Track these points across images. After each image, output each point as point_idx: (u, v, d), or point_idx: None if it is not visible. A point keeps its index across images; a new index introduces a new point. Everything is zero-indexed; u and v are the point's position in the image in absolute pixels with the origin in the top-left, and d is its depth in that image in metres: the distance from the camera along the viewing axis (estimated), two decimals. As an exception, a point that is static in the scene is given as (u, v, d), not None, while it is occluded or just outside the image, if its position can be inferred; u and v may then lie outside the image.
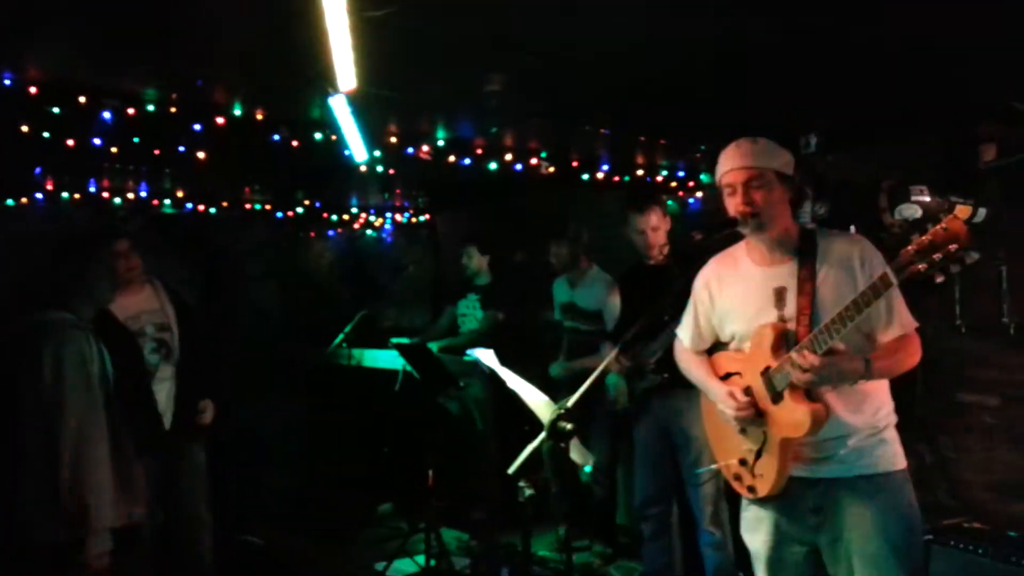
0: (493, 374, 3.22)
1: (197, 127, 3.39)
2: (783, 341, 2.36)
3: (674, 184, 5.01)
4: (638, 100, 3.38)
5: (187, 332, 3.91)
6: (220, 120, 3.37)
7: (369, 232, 7.02)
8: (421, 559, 4.48)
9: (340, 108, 3.02)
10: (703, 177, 4.99)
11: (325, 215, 6.40)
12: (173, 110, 3.28)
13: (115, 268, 3.61)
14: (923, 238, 1.97)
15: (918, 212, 3.11)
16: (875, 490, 2.34)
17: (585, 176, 4.55)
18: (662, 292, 3.74)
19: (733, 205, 2.43)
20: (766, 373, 2.39)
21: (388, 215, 6.81)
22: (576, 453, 4.31)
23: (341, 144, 3.41)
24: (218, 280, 5.84)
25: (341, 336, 5.14)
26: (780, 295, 2.41)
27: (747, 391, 2.46)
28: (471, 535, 5.08)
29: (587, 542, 4.84)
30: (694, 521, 3.89)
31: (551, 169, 4.36)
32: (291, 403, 6.06)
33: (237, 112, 3.40)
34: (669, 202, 5.31)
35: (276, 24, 2.47)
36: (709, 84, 3.09)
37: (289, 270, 6.49)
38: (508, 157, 4.15)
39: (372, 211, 6.66)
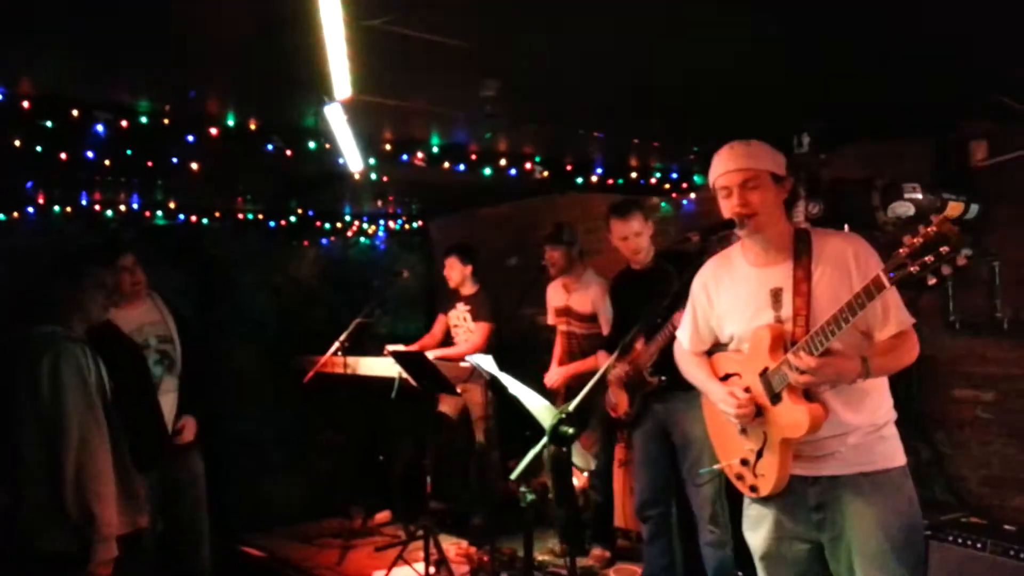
0: (493, 380, 3.23)
1: (190, 138, 3.38)
2: (780, 342, 2.38)
3: (667, 186, 5.03)
4: (631, 103, 3.40)
5: (186, 343, 3.95)
6: (213, 130, 3.37)
7: (362, 240, 7.01)
8: (420, 566, 4.48)
9: (335, 116, 3.02)
10: (696, 179, 5.01)
11: (318, 223, 6.40)
12: (166, 121, 3.28)
13: (119, 282, 3.67)
14: (914, 240, 1.98)
15: (911, 210, 3.14)
16: (876, 487, 2.36)
17: (579, 179, 4.56)
18: (650, 296, 3.78)
19: (728, 207, 2.45)
20: (764, 374, 2.41)
21: (381, 222, 6.81)
22: (578, 457, 4.34)
23: (335, 152, 3.41)
24: (213, 290, 5.83)
25: (336, 344, 5.14)
26: (777, 296, 2.43)
27: (747, 392, 2.47)
28: (470, 541, 5.09)
29: (585, 546, 4.85)
30: (694, 521, 3.91)
31: (545, 173, 4.37)
32: (287, 412, 6.06)
33: (230, 122, 3.40)
34: (663, 204, 5.35)
35: (270, 33, 2.47)
36: (701, 86, 3.10)
37: (283, 279, 6.48)
38: (502, 162, 4.15)
39: (365, 219, 6.65)
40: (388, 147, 3.82)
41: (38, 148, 3.39)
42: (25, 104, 3.03)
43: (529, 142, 4.11)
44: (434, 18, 2.41)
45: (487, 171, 4.17)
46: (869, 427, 2.39)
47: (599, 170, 4.58)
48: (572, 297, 4.82)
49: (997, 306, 3.75)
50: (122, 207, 5.41)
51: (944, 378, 3.96)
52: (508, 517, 4.73)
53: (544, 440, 2.51)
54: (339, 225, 6.65)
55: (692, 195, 5.19)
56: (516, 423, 3.75)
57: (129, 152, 3.57)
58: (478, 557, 4.79)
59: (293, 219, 6.26)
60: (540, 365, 4.91)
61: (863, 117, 3.54)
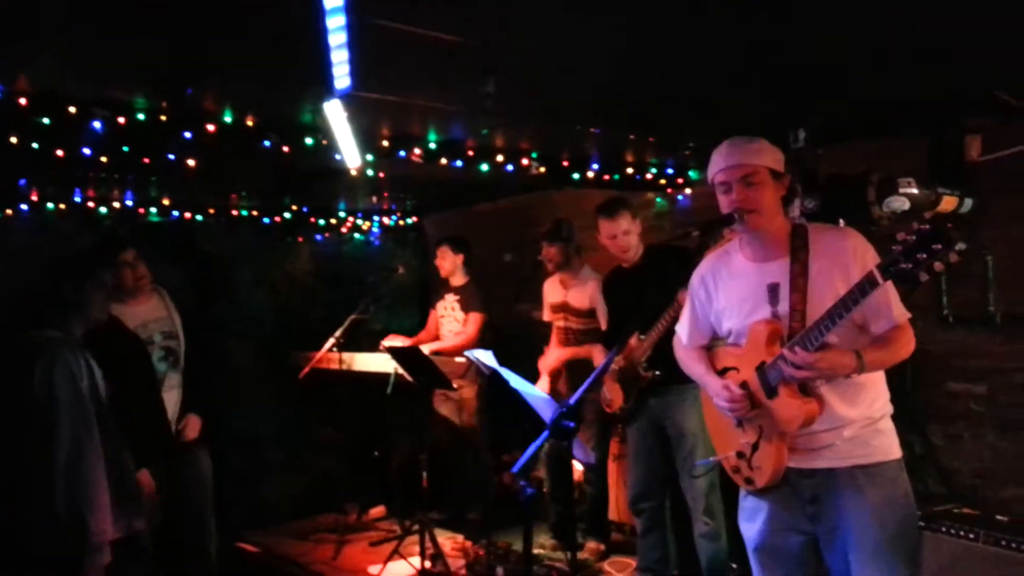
0: (494, 374, 3.25)
1: (187, 135, 3.38)
2: (777, 337, 2.40)
3: (663, 182, 5.05)
4: (628, 99, 3.41)
5: (192, 340, 3.95)
6: (211, 127, 3.37)
7: (357, 236, 7.01)
8: (416, 560, 4.50)
9: (334, 112, 3.03)
10: (691, 174, 5.03)
11: (313, 220, 6.39)
12: (163, 118, 3.28)
13: (121, 278, 3.67)
14: (908, 237, 2.00)
15: (906, 204, 3.16)
16: (871, 480, 2.39)
17: (575, 176, 4.58)
18: (642, 292, 3.81)
19: (727, 202, 2.47)
20: (761, 368, 2.43)
21: (376, 219, 6.81)
22: (578, 451, 4.37)
23: (332, 149, 3.41)
24: (207, 287, 5.83)
25: (332, 340, 5.15)
26: (774, 291, 2.46)
27: (743, 386, 2.50)
28: (465, 536, 5.11)
29: (580, 540, 4.88)
30: (688, 514, 3.95)
31: (542, 169, 4.38)
32: (283, 408, 6.06)
33: (227, 119, 3.40)
34: (658, 199, 5.38)
35: (269, 28, 2.48)
36: (699, 81, 3.11)
37: (278, 275, 6.48)
38: (499, 158, 4.16)
39: (360, 215, 6.65)
40: (386, 143, 3.82)
41: (35, 145, 3.38)
42: (23, 101, 3.02)
43: (526, 138, 4.12)
44: (432, 13, 2.42)
45: (484, 167, 4.17)
46: (865, 420, 2.42)
47: (595, 166, 4.59)
48: (569, 293, 4.84)
49: (990, 300, 3.78)
50: (116, 204, 5.39)
51: (937, 372, 4.00)
52: (503, 511, 4.78)
53: (545, 434, 2.53)
54: (334, 221, 6.65)
55: (688, 190, 5.21)
56: (512, 418, 3.78)
57: (126, 149, 3.56)
58: (474, 551, 4.82)
59: (288, 215, 6.25)
60: (536, 361, 4.93)
61: (859, 113, 3.56)
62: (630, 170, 4.77)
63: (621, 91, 3.26)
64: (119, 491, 2.83)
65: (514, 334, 5.31)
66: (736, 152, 2.47)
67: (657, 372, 3.83)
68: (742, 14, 2.48)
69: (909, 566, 2.36)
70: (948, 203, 3.29)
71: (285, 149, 3.64)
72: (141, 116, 3.25)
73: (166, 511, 3.75)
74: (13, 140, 3.29)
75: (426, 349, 4.93)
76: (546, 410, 2.92)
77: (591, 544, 4.86)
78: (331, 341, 5.16)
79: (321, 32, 2.29)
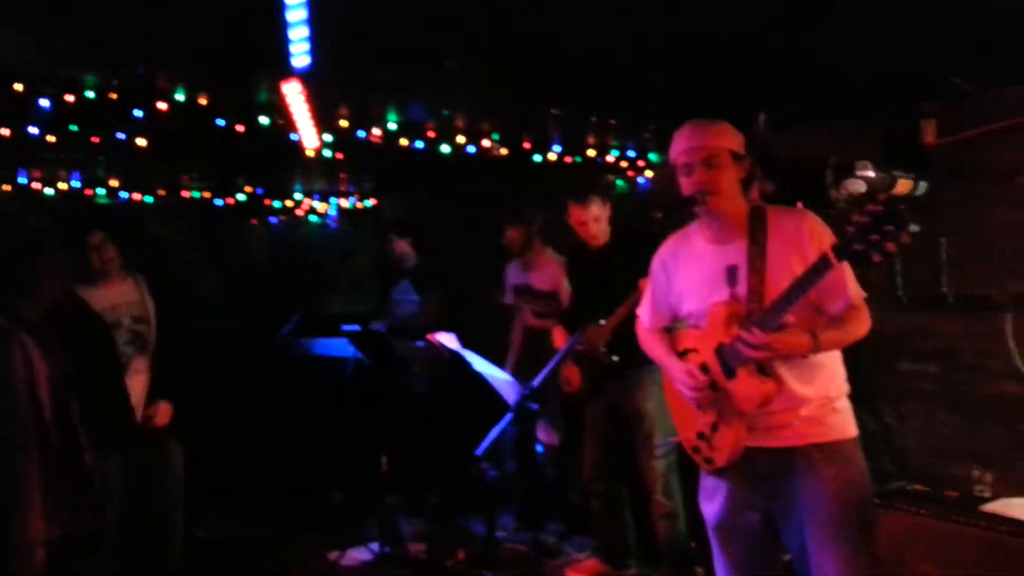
0: (456, 357, 3.24)
1: (138, 113, 3.29)
2: (735, 318, 2.41)
3: (624, 164, 5.07)
4: (589, 81, 3.41)
5: (164, 326, 3.88)
6: (162, 106, 3.29)
7: (313, 218, 6.93)
8: (376, 546, 4.48)
9: (291, 92, 2.97)
10: (652, 157, 5.06)
11: (267, 202, 6.29)
12: (113, 96, 3.19)
13: (89, 262, 3.58)
14: (861, 219, 2.02)
15: (863, 187, 3.21)
16: (827, 458, 2.42)
17: (537, 158, 4.57)
18: (606, 274, 3.82)
19: (689, 184, 2.47)
20: (720, 350, 2.44)
21: (333, 200, 6.73)
22: (542, 432, 4.39)
23: (289, 129, 3.35)
24: (157, 271, 5.71)
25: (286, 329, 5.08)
26: (732, 273, 2.47)
27: (703, 367, 2.51)
28: (426, 519, 5.10)
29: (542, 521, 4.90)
30: (646, 495, 3.99)
31: (503, 151, 4.36)
32: (239, 393, 5.97)
33: (180, 97, 3.32)
34: (619, 181, 5.39)
35: (226, 4, 2.41)
36: (661, 65, 3.12)
37: (231, 259, 6.37)
38: (460, 140, 4.13)
39: (316, 197, 6.57)
40: (344, 124, 3.77)
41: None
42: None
43: (487, 120, 4.10)
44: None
45: (445, 149, 4.14)
46: (822, 400, 2.45)
47: (557, 148, 4.59)
48: (531, 275, 4.84)
49: (943, 281, 3.87)
50: (62, 185, 5.24)
51: (891, 352, 4.09)
52: (465, 495, 4.78)
53: (509, 416, 2.52)
54: (289, 204, 6.56)
55: (648, 173, 5.24)
56: (474, 401, 3.78)
57: (74, 128, 3.46)
58: (435, 535, 4.81)
59: (241, 197, 6.15)
60: (497, 344, 4.93)
61: (818, 98, 3.61)
62: (591, 152, 4.78)
63: (584, 73, 3.25)
64: (57, 488, 2.74)
65: (476, 317, 5.30)
66: (699, 134, 2.48)
67: (616, 357, 3.85)
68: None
69: (864, 542, 2.40)
70: (903, 186, 3.35)
71: (239, 129, 3.57)
72: (90, 94, 3.16)
73: (132, 502, 3.68)
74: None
75: (388, 333, 4.89)
76: (510, 392, 2.92)
77: (552, 525, 4.89)
78: (288, 325, 5.10)
79: (279, 8, 2.24)
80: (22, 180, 4.98)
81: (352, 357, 4.90)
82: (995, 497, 3.28)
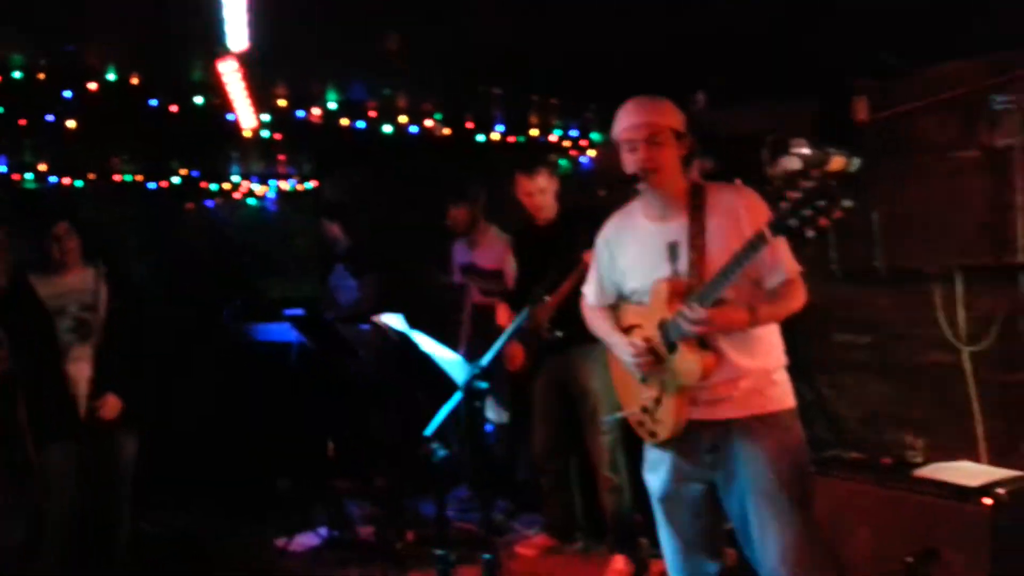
0: (403, 337, 3.23)
1: (67, 94, 3.18)
2: (677, 294, 2.44)
3: (567, 143, 5.09)
4: (531, 60, 3.40)
5: (116, 315, 3.77)
6: (93, 86, 3.17)
7: (251, 201, 6.79)
8: (325, 531, 4.46)
9: (228, 70, 2.90)
10: (593, 136, 5.09)
11: (204, 185, 6.14)
12: (41, 76, 3.06)
13: (48, 251, 3.48)
14: (794, 194, 2.05)
15: (797, 164, 3.28)
16: (767, 428, 2.48)
17: (480, 137, 4.55)
18: (553, 251, 3.85)
19: (633, 161, 2.50)
20: (663, 325, 2.48)
21: (272, 182, 6.60)
22: (490, 411, 4.40)
23: (224, 108, 3.28)
24: (109, 260, 5.55)
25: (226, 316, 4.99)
26: (673, 250, 2.50)
27: (646, 343, 2.55)
28: (375, 503, 5.08)
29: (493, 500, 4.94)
30: (592, 470, 4.05)
31: (446, 131, 4.33)
32: (177, 381, 5.84)
33: (111, 77, 3.21)
34: (562, 161, 5.42)
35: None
36: (601, 44, 3.14)
37: (167, 245, 6.21)
38: (403, 120, 4.09)
39: (255, 179, 6.43)
40: (283, 103, 3.69)
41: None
42: None
43: (430, 99, 4.07)
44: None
45: (387, 128, 4.10)
46: (761, 372, 2.50)
47: (500, 128, 4.58)
48: (476, 253, 4.85)
49: (875, 255, 4.00)
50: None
51: (826, 324, 4.21)
52: (414, 476, 4.78)
53: (458, 396, 2.53)
54: (226, 186, 6.42)
55: (591, 152, 5.27)
56: (421, 381, 3.77)
57: (0, 110, 3.33)
58: (384, 517, 4.80)
59: (176, 180, 5.99)
60: (444, 323, 4.92)
61: (754, 76, 3.67)
62: (534, 132, 4.78)
63: (525, 52, 3.25)
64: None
65: (420, 297, 5.28)
66: (642, 111, 2.50)
67: (559, 333, 3.88)
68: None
69: (802, 509, 2.46)
70: (837, 163, 3.43)
71: (173, 109, 3.47)
72: (17, 74, 3.03)
73: (79, 497, 3.59)
74: None
75: (331, 317, 4.85)
76: (458, 372, 2.93)
77: (501, 503, 4.93)
78: (229, 311, 5.01)
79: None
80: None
81: (296, 342, 4.84)
82: (927, 462, 3.39)
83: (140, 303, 3.90)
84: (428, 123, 4.18)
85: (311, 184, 6.93)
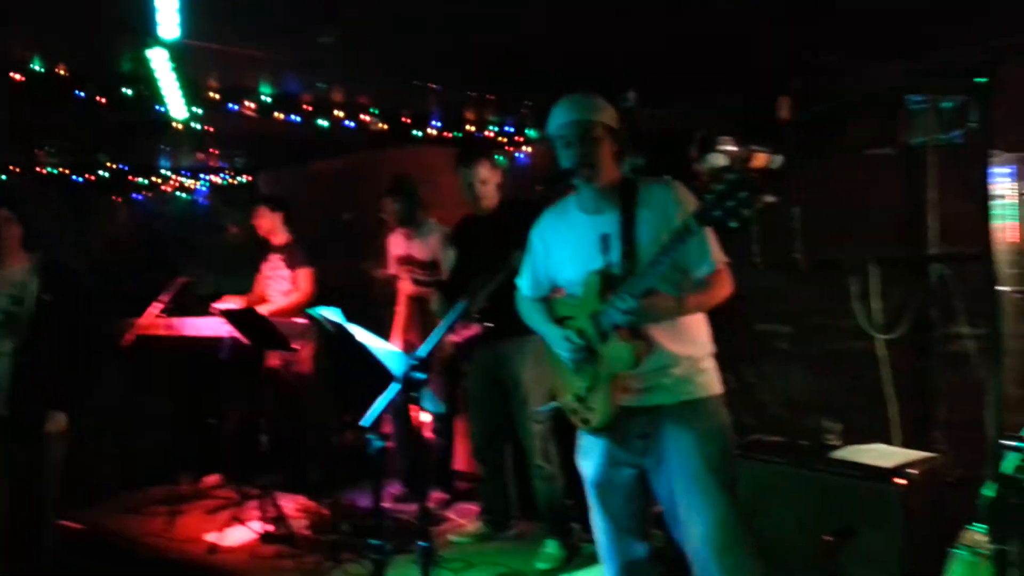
0: (339, 330, 3.23)
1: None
2: (609, 285, 2.51)
3: (503, 139, 5.13)
4: (467, 56, 3.44)
5: (45, 309, 3.65)
6: (17, 76, 3.08)
7: (182, 195, 6.64)
8: (257, 525, 4.42)
9: (158, 61, 2.86)
10: (529, 132, 5.14)
11: (132, 178, 5.99)
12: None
13: None
14: (717, 187, 2.14)
15: (723, 160, 3.41)
16: (695, 415, 2.57)
17: (417, 133, 4.56)
18: (493, 242, 3.88)
19: (568, 156, 2.57)
20: (595, 316, 2.54)
21: (203, 176, 6.47)
22: (427, 401, 4.42)
23: (155, 100, 3.22)
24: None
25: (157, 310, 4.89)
26: (605, 242, 2.57)
27: (580, 333, 2.61)
28: (309, 496, 5.06)
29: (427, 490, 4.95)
30: (526, 459, 4.11)
31: (381, 125, 4.33)
32: (104, 377, 5.69)
33: (37, 67, 3.11)
34: (497, 157, 5.45)
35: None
36: (537, 42, 3.19)
37: (95, 239, 6.04)
38: (339, 114, 4.07)
39: (186, 173, 6.30)
40: (215, 95, 3.64)
41: None
42: None
43: (366, 94, 4.06)
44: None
45: (322, 123, 4.07)
46: (690, 360, 2.59)
47: (436, 123, 4.59)
48: (412, 245, 4.85)
49: (796, 248, 4.17)
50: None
51: (749, 314, 4.36)
52: (347, 468, 4.77)
53: (395, 386, 2.55)
54: (156, 180, 6.27)
55: (527, 148, 5.32)
56: (358, 373, 3.77)
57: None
58: (318, 510, 4.79)
59: (103, 174, 5.83)
60: (378, 316, 4.92)
61: (683, 76, 3.77)
62: (471, 127, 4.81)
63: (461, 48, 3.28)
64: None
65: (354, 292, 5.27)
66: (576, 108, 2.58)
67: (489, 324, 3.92)
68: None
69: (727, 491, 2.57)
70: (760, 159, 3.57)
71: (101, 100, 3.38)
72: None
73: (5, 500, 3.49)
74: None
75: (264, 309, 4.80)
76: (396, 363, 2.95)
77: (436, 494, 4.95)
78: (156, 305, 4.91)
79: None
80: None
81: (228, 336, 4.78)
82: (844, 445, 3.52)
83: (78, 299, 3.78)
84: (364, 118, 4.16)
85: (245, 179, 6.83)
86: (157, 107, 3.26)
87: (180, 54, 2.85)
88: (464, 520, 4.60)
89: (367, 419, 2.55)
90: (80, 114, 3.59)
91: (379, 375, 3.19)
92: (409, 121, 4.48)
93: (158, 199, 6.51)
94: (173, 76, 2.98)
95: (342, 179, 6.29)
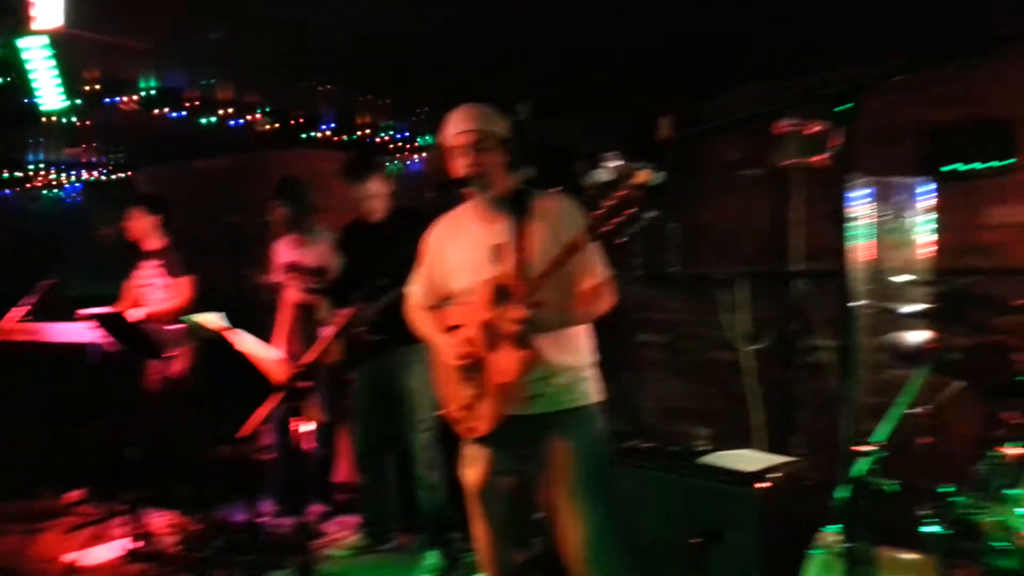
0: (218, 337, 3.14)
1: None
2: (500, 295, 2.56)
3: (397, 145, 5.10)
4: (362, 59, 3.43)
5: None
6: None
7: (53, 192, 6.26)
8: (124, 542, 4.23)
9: (33, 48, 2.71)
10: (422, 139, 5.14)
11: (-1, 172, 5.60)
12: None
13: None
14: (607, 203, 2.25)
15: (609, 176, 3.53)
16: (577, 422, 2.65)
17: (308, 134, 4.48)
18: (383, 250, 3.87)
19: (461, 166, 2.61)
20: (485, 325, 2.59)
21: (76, 172, 6.11)
22: (309, 411, 4.33)
23: (25, 91, 3.04)
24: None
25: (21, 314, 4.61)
26: (498, 252, 2.62)
27: (470, 342, 2.64)
28: (181, 512, 4.86)
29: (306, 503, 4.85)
30: (409, 468, 4.10)
31: (270, 126, 4.23)
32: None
33: None
34: (392, 164, 5.42)
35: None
36: (434, 52, 3.22)
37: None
38: (224, 112, 3.95)
39: (60, 167, 5.93)
40: (93, 87, 3.47)
41: None
42: None
43: (255, 92, 3.96)
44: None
45: (207, 120, 3.95)
46: (574, 368, 2.67)
47: (329, 126, 4.53)
48: (301, 252, 4.75)
49: (674, 262, 4.38)
50: None
51: (629, 324, 4.53)
52: (222, 482, 4.61)
53: (278, 395, 2.51)
54: (21, 175, 5.89)
55: (420, 155, 5.32)
56: (238, 384, 3.67)
57: None
58: (189, 526, 4.60)
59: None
60: (262, 324, 4.80)
61: (573, 92, 3.89)
62: (365, 132, 4.76)
63: (357, 50, 3.27)
64: None
65: (237, 298, 5.12)
66: (470, 118, 2.63)
67: (380, 337, 3.91)
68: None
69: (605, 497, 2.66)
70: (642, 176, 3.71)
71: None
72: None
73: None
74: None
75: (139, 314, 4.60)
76: (278, 371, 2.88)
77: (315, 507, 4.86)
78: (18, 310, 4.62)
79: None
80: None
81: (96, 342, 4.54)
82: (712, 451, 3.66)
83: None
84: (252, 117, 4.06)
85: (122, 175, 6.49)
86: (27, 99, 3.07)
87: (58, 43, 2.71)
88: (343, 533, 4.53)
89: (244, 430, 2.50)
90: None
91: (259, 384, 3.13)
92: (300, 122, 4.40)
93: (25, 195, 6.11)
94: (49, 66, 2.82)
95: (227, 180, 6.09)
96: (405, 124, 4.87)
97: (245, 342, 3.07)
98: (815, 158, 3.66)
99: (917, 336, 2.76)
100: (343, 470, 4.97)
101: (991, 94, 3.85)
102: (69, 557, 4.20)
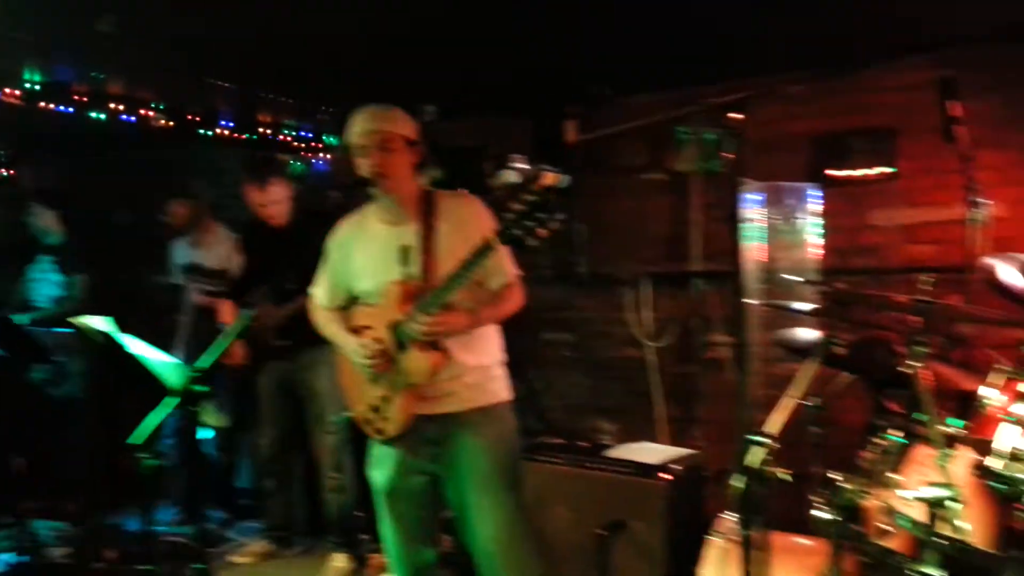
0: (109, 341, 3.01)
1: None
2: (408, 296, 2.56)
3: (300, 145, 5.01)
4: (264, 56, 3.35)
5: None
6: None
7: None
8: (10, 556, 4.02)
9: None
10: (327, 139, 5.06)
11: None
12: None
13: None
14: (517, 206, 2.26)
15: (515, 177, 3.58)
16: (485, 420, 2.67)
17: (205, 132, 4.34)
18: (285, 253, 3.80)
19: (366, 166, 2.58)
20: (393, 326, 2.58)
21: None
22: (209, 416, 4.22)
23: None
24: None
25: None
26: (405, 253, 2.61)
27: (377, 343, 2.62)
28: (71, 522, 4.64)
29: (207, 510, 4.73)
30: (315, 470, 4.05)
31: (164, 122, 4.07)
32: None
33: None
34: (295, 164, 5.30)
35: None
36: (339, 50, 3.19)
37: None
38: (116, 107, 3.79)
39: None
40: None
41: None
42: None
43: (149, 87, 3.81)
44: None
45: (97, 115, 3.78)
46: (483, 368, 2.69)
47: (228, 123, 4.40)
48: (200, 253, 4.61)
49: (579, 262, 4.48)
50: None
51: (536, 323, 4.61)
52: (117, 490, 4.43)
53: (172, 400, 2.43)
54: None
55: (325, 155, 5.23)
56: (130, 387, 3.53)
57: None
58: (81, 537, 4.41)
59: None
60: (160, 327, 4.63)
61: (478, 94, 3.92)
62: (266, 130, 4.65)
63: (259, 47, 3.20)
64: None
65: (132, 300, 4.93)
66: (375, 119, 2.60)
67: (286, 342, 3.85)
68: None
69: (514, 493, 2.69)
70: (549, 178, 3.77)
71: None
72: None
73: None
74: None
75: (25, 318, 4.36)
76: (174, 375, 2.79)
77: (217, 513, 4.74)
78: None
79: None
80: None
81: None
82: (617, 444, 3.77)
83: None
84: (146, 112, 3.90)
85: (8, 173, 6.11)
86: None
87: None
88: (246, 539, 4.43)
89: (138, 436, 2.41)
90: None
91: (154, 389, 3.02)
92: (197, 119, 4.26)
93: None
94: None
95: (120, 178, 5.83)
96: (309, 124, 4.78)
97: (136, 346, 2.95)
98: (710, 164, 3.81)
99: (807, 332, 2.90)
100: (247, 475, 4.86)
101: (874, 105, 4.09)
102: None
